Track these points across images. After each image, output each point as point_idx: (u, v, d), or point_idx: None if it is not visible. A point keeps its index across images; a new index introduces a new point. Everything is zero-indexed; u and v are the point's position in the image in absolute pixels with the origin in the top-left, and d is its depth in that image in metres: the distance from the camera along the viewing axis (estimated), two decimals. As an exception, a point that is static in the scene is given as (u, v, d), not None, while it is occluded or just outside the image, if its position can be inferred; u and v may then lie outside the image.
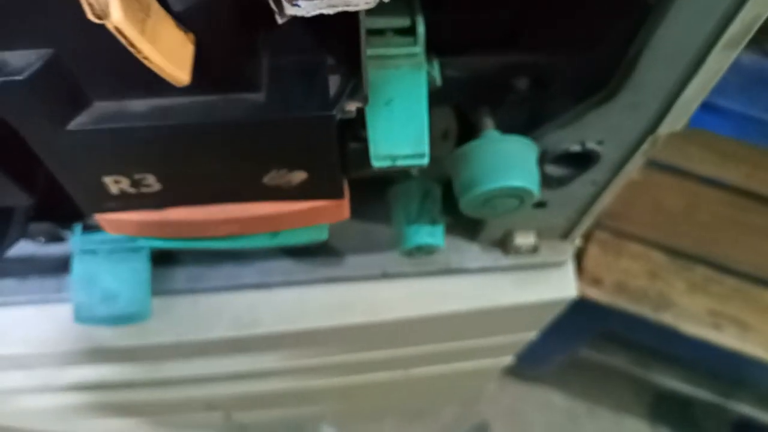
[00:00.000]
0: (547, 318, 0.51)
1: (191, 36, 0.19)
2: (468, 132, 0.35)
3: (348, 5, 0.18)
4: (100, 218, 0.28)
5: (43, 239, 0.43)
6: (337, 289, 0.45)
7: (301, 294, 0.45)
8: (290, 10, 0.17)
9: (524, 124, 0.33)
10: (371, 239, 0.43)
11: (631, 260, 0.74)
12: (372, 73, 0.26)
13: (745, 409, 0.92)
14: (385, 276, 0.44)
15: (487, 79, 0.31)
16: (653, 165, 0.76)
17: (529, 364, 0.98)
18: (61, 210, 0.33)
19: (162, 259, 0.42)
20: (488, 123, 0.33)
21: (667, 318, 0.71)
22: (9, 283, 0.44)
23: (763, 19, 0.26)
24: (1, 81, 0.20)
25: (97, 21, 0.17)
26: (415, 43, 0.27)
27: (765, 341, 0.71)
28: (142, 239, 0.31)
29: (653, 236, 0.75)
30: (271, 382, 0.60)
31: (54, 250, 0.43)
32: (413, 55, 0.27)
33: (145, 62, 0.18)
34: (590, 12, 0.28)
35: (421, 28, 0.27)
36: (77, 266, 0.40)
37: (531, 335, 0.56)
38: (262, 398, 0.66)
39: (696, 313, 0.72)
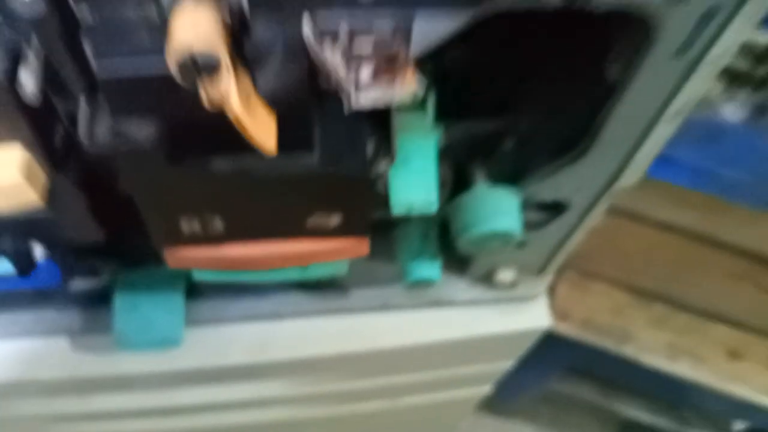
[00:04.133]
0: (525, 346, 0.57)
1: (274, 114, 0.26)
2: (461, 181, 0.42)
3: (392, 100, 0.25)
4: (167, 252, 0.34)
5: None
6: (342, 319, 0.51)
7: (310, 324, 0.51)
8: (356, 105, 0.24)
9: (509, 177, 0.40)
10: (374, 275, 0.49)
11: (595, 298, 0.81)
12: (393, 137, 0.33)
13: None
14: (385, 307, 0.51)
15: (480, 141, 0.38)
16: (615, 211, 0.84)
17: (504, 399, 1.05)
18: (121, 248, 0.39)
19: (190, 293, 0.48)
20: (480, 175, 0.40)
21: (629, 350, 0.78)
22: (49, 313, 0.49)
23: (698, 99, 0.34)
24: (129, 148, 0.26)
25: (212, 109, 0.24)
26: (426, 114, 0.34)
27: (717, 371, 0.79)
28: (195, 272, 0.37)
29: (616, 276, 0.82)
30: (271, 410, 0.65)
31: (90, 283, 0.49)
32: (425, 123, 0.34)
33: (246, 136, 0.24)
34: (565, 88, 0.35)
35: (431, 103, 0.34)
36: (120, 297, 0.45)
37: (509, 363, 0.62)
38: (263, 428, 0.71)
39: (655, 346, 0.79)
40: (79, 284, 0.47)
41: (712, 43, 0.28)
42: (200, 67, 0.21)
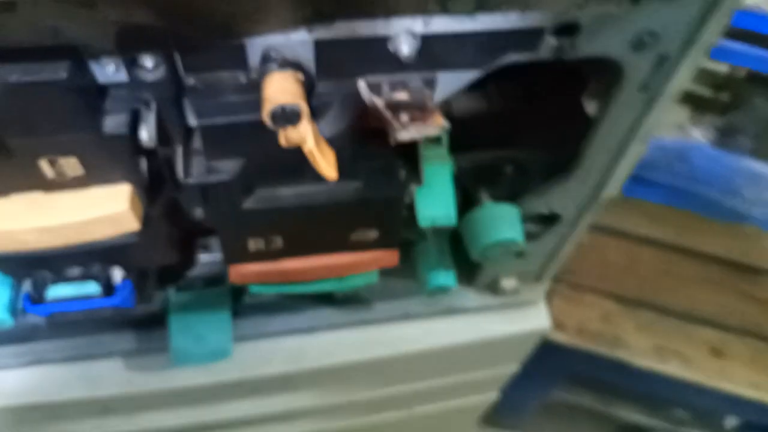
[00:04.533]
0: (528, 348, 0.64)
1: (333, 151, 0.33)
2: (467, 201, 0.49)
3: (427, 133, 0.32)
4: (231, 268, 0.41)
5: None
6: (368, 329, 0.58)
7: (340, 335, 0.58)
8: (399, 138, 0.32)
9: (510, 195, 0.48)
10: (395, 288, 0.56)
11: (587, 308, 0.88)
12: (417, 166, 0.40)
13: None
14: (406, 317, 0.58)
15: (485, 167, 0.46)
16: (599, 228, 0.92)
17: (508, 412, 1.11)
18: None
19: (235, 311, 0.55)
20: (485, 195, 0.48)
21: (621, 354, 0.85)
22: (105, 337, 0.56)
23: (660, 124, 0.41)
24: (218, 181, 0.33)
25: (287, 146, 0.31)
26: (442, 147, 0.42)
27: (703, 369, 0.86)
28: (252, 286, 0.44)
29: (603, 287, 0.90)
30: (301, 422, 0.71)
31: (147, 307, 0.55)
32: (441, 154, 0.42)
33: (315, 166, 0.32)
34: (555, 123, 0.43)
35: (445, 138, 0.41)
36: (174, 318, 0.52)
37: (515, 367, 0.69)
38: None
39: (644, 348, 0.86)
40: (138, 308, 0.54)
41: (667, 81, 0.36)
42: (288, 115, 0.29)
